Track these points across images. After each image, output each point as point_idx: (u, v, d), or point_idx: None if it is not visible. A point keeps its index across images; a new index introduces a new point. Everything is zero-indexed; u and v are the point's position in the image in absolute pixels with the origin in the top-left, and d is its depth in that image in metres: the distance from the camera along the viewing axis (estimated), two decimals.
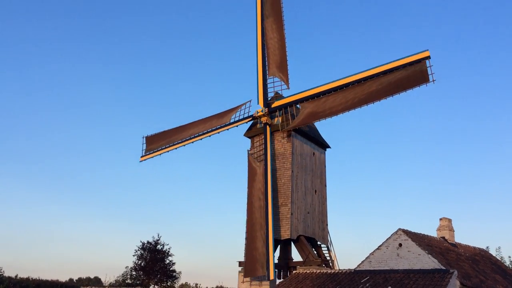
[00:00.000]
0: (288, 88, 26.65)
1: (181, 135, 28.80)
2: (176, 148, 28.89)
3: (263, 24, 27.84)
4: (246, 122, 27.82)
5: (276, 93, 27.56)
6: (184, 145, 28.61)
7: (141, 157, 29.63)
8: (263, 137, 28.03)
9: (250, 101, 27.65)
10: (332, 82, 25.04)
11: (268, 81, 27.38)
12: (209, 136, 28.12)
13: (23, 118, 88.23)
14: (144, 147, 29.51)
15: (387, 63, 23.74)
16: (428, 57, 22.77)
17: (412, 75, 23.07)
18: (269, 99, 27.62)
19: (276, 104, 27.06)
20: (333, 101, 24.75)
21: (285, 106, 26.76)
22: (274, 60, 27.14)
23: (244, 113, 27.72)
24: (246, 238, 25.39)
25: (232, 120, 27.76)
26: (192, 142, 28.54)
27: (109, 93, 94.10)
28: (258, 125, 27.86)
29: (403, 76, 23.26)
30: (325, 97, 25.11)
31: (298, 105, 26.56)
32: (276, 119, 27.45)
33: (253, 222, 24.88)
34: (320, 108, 25.16)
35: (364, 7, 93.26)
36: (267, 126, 27.06)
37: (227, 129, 27.81)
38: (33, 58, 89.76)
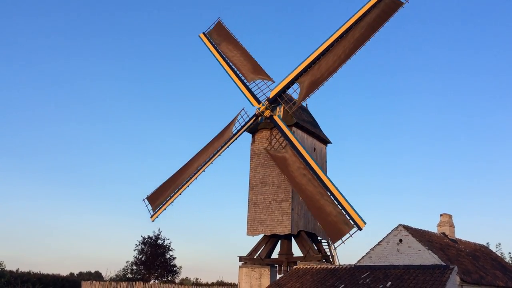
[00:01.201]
0: (273, 81, 27.57)
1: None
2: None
3: (219, 50, 29.81)
4: (253, 123, 27.84)
5: (289, 98, 27.70)
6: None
7: (151, 217, 28.18)
8: (264, 132, 28.22)
9: (243, 108, 28.23)
10: (318, 47, 26.28)
11: (251, 86, 28.28)
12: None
13: (22, 113, 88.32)
14: (150, 207, 28.17)
15: (360, 9, 25.62)
16: (360, 229, 22.70)
17: (386, 7, 25.24)
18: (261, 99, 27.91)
19: (273, 92, 27.34)
20: (326, 62, 26.04)
21: (283, 91, 27.27)
22: (246, 69, 28.42)
23: (244, 120, 28.00)
24: (313, 215, 24.88)
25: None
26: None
27: (109, 89, 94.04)
28: (260, 119, 27.89)
29: (378, 12, 25.22)
30: (317, 63, 26.25)
31: (296, 84, 26.80)
32: (277, 111, 27.53)
33: (311, 196, 24.43)
34: (317, 74, 26.16)
35: None
36: (274, 117, 27.24)
37: (235, 140, 27.69)
38: (33, 55, 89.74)
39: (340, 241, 22.76)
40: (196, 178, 27.28)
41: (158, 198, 28.04)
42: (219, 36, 30.32)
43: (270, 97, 27.49)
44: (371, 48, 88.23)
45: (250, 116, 27.93)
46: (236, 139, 27.62)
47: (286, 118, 27.31)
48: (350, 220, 22.95)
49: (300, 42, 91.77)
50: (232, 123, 28.23)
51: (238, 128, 27.84)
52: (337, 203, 23.65)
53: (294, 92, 27.12)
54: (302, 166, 25.34)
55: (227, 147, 27.40)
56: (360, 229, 22.69)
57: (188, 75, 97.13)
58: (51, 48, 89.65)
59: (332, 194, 23.93)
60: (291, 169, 25.71)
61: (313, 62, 26.36)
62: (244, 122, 27.92)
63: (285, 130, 26.68)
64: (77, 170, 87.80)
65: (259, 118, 27.80)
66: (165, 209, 27.55)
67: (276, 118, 27.22)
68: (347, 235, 22.67)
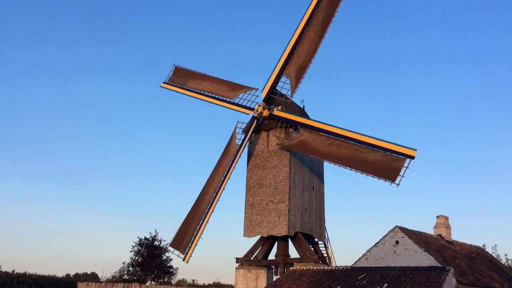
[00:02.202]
0: (291, 98, 27.77)
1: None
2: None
3: (188, 88, 30.64)
4: (247, 114, 28.28)
5: (280, 94, 27.62)
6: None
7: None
8: (262, 133, 28.31)
9: (238, 121, 28.48)
10: (291, 38, 27.21)
11: (237, 101, 28.85)
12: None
13: (22, 115, 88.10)
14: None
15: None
16: (412, 157, 22.84)
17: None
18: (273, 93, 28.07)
19: (265, 91, 27.81)
20: (303, 48, 27.16)
21: (273, 87, 27.78)
22: (224, 91, 29.17)
23: (249, 100, 28.53)
24: (363, 171, 24.04)
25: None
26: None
27: (111, 91, 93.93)
28: (258, 122, 28.05)
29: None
30: (295, 51, 27.18)
31: (283, 76, 27.42)
32: (274, 110, 27.67)
33: (349, 158, 24.24)
34: (299, 61, 27.08)
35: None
36: (273, 113, 27.62)
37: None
38: (35, 55, 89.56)
39: (399, 177, 22.73)
40: (218, 201, 26.30)
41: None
42: (182, 77, 31.17)
43: (263, 97, 27.85)
44: (370, 48, 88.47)
45: (252, 104, 28.31)
46: (244, 148, 27.59)
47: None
48: (399, 156, 23.11)
49: (270, 42, 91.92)
50: (233, 136, 28.20)
51: (242, 138, 27.81)
52: (377, 149, 23.73)
53: (283, 88, 27.47)
54: (324, 138, 25.37)
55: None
56: (412, 157, 22.76)
57: None
58: (52, 49, 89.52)
59: (367, 144, 24.04)
60: (315, 146, 25.57)
61: (292, 51, 27.21)
62: (245, 103, 28.51)
63: (290, 116, 27.02)
64: (74, 172, 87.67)
65: (259, 120, 27.92)
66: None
67: (276, 111, 27.48)
68: (403, 168, 22.78)
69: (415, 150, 22.94)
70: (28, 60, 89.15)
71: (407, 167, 22.85)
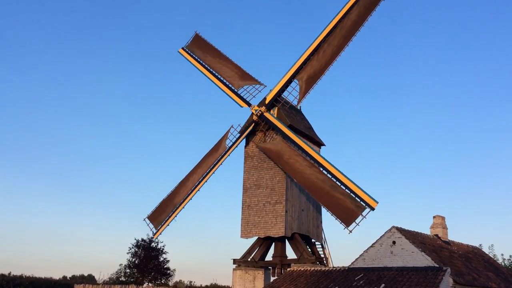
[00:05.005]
0: (298, 105, 27.74)
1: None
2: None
3: (201, 62, 30.08)
4: (242, 106, 28.20)
5: (286, 101, 27.37)
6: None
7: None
8: (259, 134, 28.27)
9: (265, 86, 28.00)
10: (313, 42, 26.53)
11: (240, 91, 28.50)
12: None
13: (20, 116, 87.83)
14: (151, 226, 28.52)
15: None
16: (372, 209, 22.87)
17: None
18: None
19: (267, 115, 27.37)
20: (323, 55, 26.32)
21: (270, 124, 27.27)
22: (234, 76, 28.63)
23: (252, 94, 28.08)
24: (321, 203, 24.60)
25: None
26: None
27: (110, 93, 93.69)
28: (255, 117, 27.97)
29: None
30: (314, 57, 26.48)
31: (295, 81, 26.97)
32: (271, 111, 27.69)
33: (314, 184, 24.48)
34: (315, 67, 26.37)
35: None
36: (264, 114, 27.48)
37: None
38: (35, 57, 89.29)
39: (354, 224, 22.68)
40: (195, 194, 27.77)
41: (160, 216, 28.37)
42: (200, 49, 30.59)
43: (267, 101, 27.52)
44: (369, 48, 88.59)
45: (241, 126, 28.27)
46: (232, 151, 27.71)
47: (280, 119, 27.51)
48: (361, 202, 22.98)
49: (291, 43, 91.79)
50: (224, 137, 28.26)
51: (233, 140, 27.85)
52: (344, 187, 23.69)
53: (290, 94, 27.16)
54: (300, 158, 25.43)
55: (224, 159, 27.60)
56: (372, 209, 22.71)
57: (187, 78, 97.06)
58: (53, 50, 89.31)
59: (336, 178, 23.96)
60: (286, 159, 25.76)
61: (309, 57, 26.58)
62: (237, 135, 28.07)
63: (276, 122, 26.91)
64: (70, 174, 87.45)
65: (257, 123, 27.88)
66: (168, 225, 28.07)
67: (266, 114, 27.39)
68: (360, 217, 22.69)
69: (377, 202, 22.86)
70: (27, 61, 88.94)
71: (364, 217, 22.80)
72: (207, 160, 28.04)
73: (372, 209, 22.75)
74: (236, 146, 27.81)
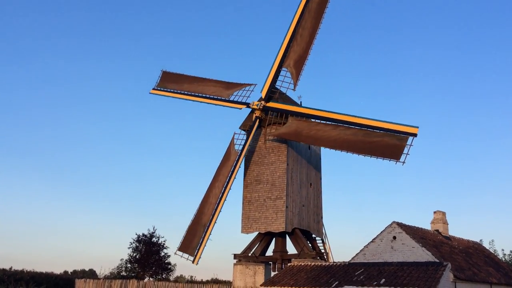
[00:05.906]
0: (294, 89, 27.51)
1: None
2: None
3: (178, 91, 30.48)
4: (240, 108, 28.43)
5: (280, 92, 27.60)
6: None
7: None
8: (258, 130, 28.19)
9: (255, 85, 28.49)
10: (287, 31, 27.27)
11: (232, 98, 28.78)
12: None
13: (20, 113, 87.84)
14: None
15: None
16: (415, 135, 22.80)
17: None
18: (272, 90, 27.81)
19: (272, 105, 27.43)
20: (301, 38, 27.03)
21: (279, 111, 27.21)
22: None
23: (245, 96, 28.53)
24: (366, 154, 23.96)
25: (231, 98, 28.81)
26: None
27: (109, 89, 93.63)
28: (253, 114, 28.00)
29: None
30: (293, 43, 27.10)
31: (283, 69, 27.31)
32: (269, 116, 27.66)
33: (347, 141, 24.27)
34: (298, 51, 27.01)
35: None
36: (265, 105, 27.53)
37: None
38: (34, 53, 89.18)
39: (404, 155, 22.65)
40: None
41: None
42: (172, 82, 30.93)
43: (267, 105, 27.52)
44: (368, 48, 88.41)
45: (247, 99, 28.52)
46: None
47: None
48: (401, 135, 23.02)
49: (271, 39, 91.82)
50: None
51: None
52: (377, 130, 23.59)
53: (283, 82, 27.30)
54: (321, 125, 25.30)
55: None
56: (415, 135, 22.71)
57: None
58: (52, 48, 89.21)
59: (365, 126, 23.93)
60: (311, 133, 25.49)
61: (289, 44, 27.20)
62: (241, 99, 28.58)
63: (284, 106, 27.06)
64: (71, 169, 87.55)
65: (261, 118, 27.83)
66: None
67: (269, 104, 27.46)
68: (407, 146, 22.69)
69: (417, 127, 22.83)
70: (26, 58, 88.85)
71: (410, 145, 22.74)
72: (223, 171, 27.35)
73: (415, 135, 22.70)
74: (247, 148, 27.52)
